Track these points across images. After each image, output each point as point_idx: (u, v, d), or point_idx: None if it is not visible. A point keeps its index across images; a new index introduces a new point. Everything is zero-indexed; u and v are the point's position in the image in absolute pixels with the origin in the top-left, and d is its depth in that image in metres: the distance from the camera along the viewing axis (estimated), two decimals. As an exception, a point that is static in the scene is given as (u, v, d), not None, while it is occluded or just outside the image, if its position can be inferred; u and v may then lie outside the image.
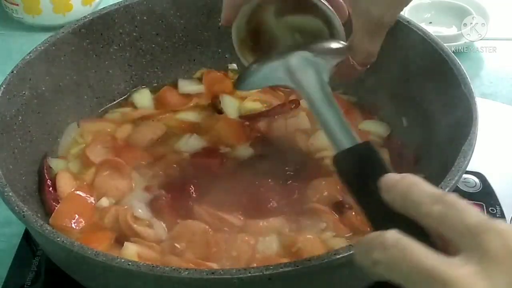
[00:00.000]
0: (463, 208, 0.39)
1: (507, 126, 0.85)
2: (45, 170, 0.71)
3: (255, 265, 0.59)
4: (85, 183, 0.71)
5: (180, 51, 0.84)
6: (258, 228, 0.64)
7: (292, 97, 0.79)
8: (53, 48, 0.74)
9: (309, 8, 0.62)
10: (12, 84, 0.69)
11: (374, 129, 0.76)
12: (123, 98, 0.83)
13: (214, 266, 0.60)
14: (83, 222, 0.66)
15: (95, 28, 0.78)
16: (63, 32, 0.75)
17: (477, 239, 0.37)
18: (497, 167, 0.79)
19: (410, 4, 0.73)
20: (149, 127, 0.78)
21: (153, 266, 0.50)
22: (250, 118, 0.78)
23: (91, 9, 1.07)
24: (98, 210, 0.68)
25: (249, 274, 0.49)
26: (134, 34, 0.81)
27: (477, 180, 0.77)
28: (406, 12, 0.94)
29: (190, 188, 0.68)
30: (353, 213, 0.64)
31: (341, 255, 0.50)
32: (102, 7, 0.81)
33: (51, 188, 0.70)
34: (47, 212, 0.67)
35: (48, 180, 0.70)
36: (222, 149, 0.74)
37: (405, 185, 0.41)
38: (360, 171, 0.46)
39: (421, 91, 0.72)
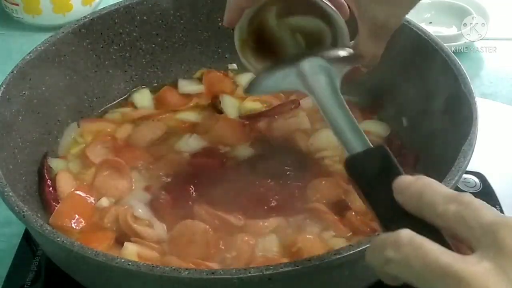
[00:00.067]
0: (478, 207, 0.39)
1: (507, 126, 0.85)
2: (45, 170, 0.71)
3: (255, 265, 0.59)
4: (85, 183, 0.71)
5: (180, 51, 0.84)
6: (258, 228, 0.64)
7: (292, 97, 0.79)
8: (53, 48, 0.74)
9: (311, 9, 0.62)
10: (12, 84, 0.69)
11: (374, 129, 0.76)
12: (123, 98, 0.83)
13: (214, 266, 0.60)
14: (83, 222, 0.66)
15: (95, 28, 0.78)
16: (63, 32, 0.75)
17: (491, 236, 0.37)
18: (497, 167, 0.79)
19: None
20: (149, 127, 0.78)
21: (153, 266, 0.50)
22: (250, 118, 0.78)
23: (91, 9, 1.07)
24: (98, 210, 0.68)
25: (249, 274, 0.49)
26: (134, 34, 0.81)
27: (477, 180, 0.77)
28: (406, 12, 0.94)
29: (190, 188, 0.68)
30: (353, 213, 0.65)
31: (341, 255, 0.50)
32: (102, 7, 0.81)
33: (51, 188, 0.70)
34: (47, 212, 0.67)
35: (48, 180, 0.70)
36: (222, 149, 0.74)
37: (419, 186, 0.41)
38: (372, 173, 0.46)
39: (421, 91, 0.72)
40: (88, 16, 0.78)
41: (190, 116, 0.80)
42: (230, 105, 0.80)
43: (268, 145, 0.75)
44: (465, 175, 0.74)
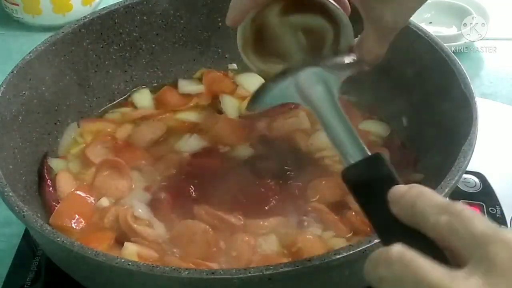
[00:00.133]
0: (470, 217, 0.38)
1: (507, 126, 0.85)
2: (45, 170, 0.71)
3: (255, 265, 0.59)
4: (85, 183, 0.71)
5: (180, 51, 0.84)
6: (258, 228, 0.64)
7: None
8: (53, 48, 0.74)
9: (314, 7, 0.61)
10: (12, 84, 0.69)
11: (374, 129, 0.76)
12: (123, 98, 0.83)
13: (214, 266, 0.60)
14: (83, 222, 0.66)
15: (95, 28, 0.78)
16: (63, 32, 0.75)
17: (483, 250, 0.36)
18: (497, 167, 0.79)
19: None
20: (149, 127, 0.78)
21: (153, 266, 0.50)
22: (250, 118, 0.78)
23: (91, 9, 1.07)
24: (98, 210, 0.68)
25: (249, 274, 0.49)
26: (134, 34, 0.81)
27: (477, 180, 0.77)
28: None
29: (190, 188, 0.68)
30: (353, 213, 0.64)
31: (341, 255, 0.50)
32: (102, 7, 0.81)
33: (51, 188, 0.70)
34: (47, 212, 0.67)
35: (48, 180, 0.70)
36: (222, 149, 0.74)
37: (412, 196, 0.41)
38: (368, 184, 0.45)
39: (421, 91, 0.72)
40: (88, 16, 0.78)
41: (190, 116, 0.80)
42: (230, 105, 0.80)
43: (268, 145, 0.75)
44: (465, 175, 0.74)
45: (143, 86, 0.84)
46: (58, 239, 0.53)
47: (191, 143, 0.75)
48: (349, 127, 0.51)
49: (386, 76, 0.74)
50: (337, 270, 0.52)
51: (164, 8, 0.81)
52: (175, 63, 0.85)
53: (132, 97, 0.83)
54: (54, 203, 0.68)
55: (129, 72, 0.83)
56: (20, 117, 0.69)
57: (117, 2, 0.80)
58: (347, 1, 0.62)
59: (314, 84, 0.55)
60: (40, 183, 0.70)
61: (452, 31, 1.00)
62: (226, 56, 0.85)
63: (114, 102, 0.82)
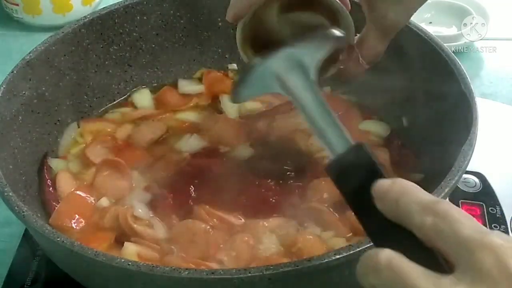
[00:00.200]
0: (456, 219, 0.37)
1: (507, 126, 0.85)
2: (45, 170, 0.71)
3: (255, 265, 0.59)
4: (85, 183, 0.71)
5: (180, 51, 0.84)
6: (258, 228, 0.64)
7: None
8: (53, 48, 0.74)
9: (314, 4, 0.61)
10: (12, 84, 0.69)
11: (374, 129, 0.76)
12: (123, 98, 0.83)
13: (214, 266, 0.60)
14: (83, 222, 0.67)
15: (95, 28, 0.78)
16: (63, 32, 0.75)
17: (469, 256, 0.35)
18: (497, 167, 0.79)
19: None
20: (149, 127, 0.78)
21: (153, 266, 0.50)
22: (250, 118, 0.78)
23: (91, 9, 1.07)
24: (98, 210, 0.68)
25: (249, 274, 0.49)
26: (134, 34, 0.81)
27: (477, 180, 0.77)
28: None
29: (190, 188, 0.68)
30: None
31: (341, 255, 0.50)
32: (102, 7, 0.81)
33: (51, 188, 0.70)
34: (47, 212, 0.67)
35: (48, 180, 0.70)
36: (222, 149, 0.74)
37: (395, 193, 0.39)
38: (354, 179, 0.43)
39: (421, 91, 0.72)
40: (88, 16, 0.78)
41: (190, 116, 0.80)
42: (230, 105, 0.80)
43: (268, 145, 0.75)
44: (465, 175, 0.74)
45: (143, 86, 0.84)
46: (58, 239, 0.53)
47: (191, 143, 0.75)
48: (329, 114, 0.48)
49: (386, 76, 0.74)
50: (337, 270, 0.52)
51: (164, 8, 0.81)
52: (175, 63, 0.85)
53: (132, 97, 0.83)
54: (54, 203, 0.68)
55: (129, 72, 0.83)
56: (20, 117, 0.69)
57: (117, 2, 0.80)
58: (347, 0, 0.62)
59: (289, 70, 0.52)
60: (40, 183, 0.70)
61: (452, 31, 1.00)
62: (226, 56, 0.85)
63: (114, 102, 0.82)
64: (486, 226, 0.71)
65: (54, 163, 0.74)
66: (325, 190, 0.67)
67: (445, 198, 0.56)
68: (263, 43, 0.64)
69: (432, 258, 0.38)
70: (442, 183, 0.56)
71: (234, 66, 0.85)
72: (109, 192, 0.69)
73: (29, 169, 0.69)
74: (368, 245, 0.50)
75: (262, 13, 0.62)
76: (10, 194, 0.58)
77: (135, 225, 0.64)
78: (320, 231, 0.64)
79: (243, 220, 0.65)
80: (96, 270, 0.54)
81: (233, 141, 0.75)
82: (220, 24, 0.82)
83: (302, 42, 0.54)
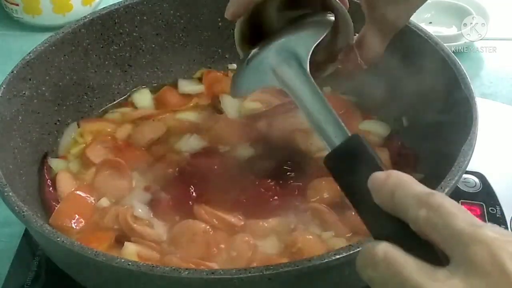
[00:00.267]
0: (449, 212, 0.37)
1: (507, 126, 0.85)
2: (45, 170, 0.71)
3: (255, 265, 0.59)
4: (85, 183, 0.71)
5: (180, 51, 0.84)
6: (258, 228, 0.64)
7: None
8: (53, 48, 0.74)
9: (313, 2, 0.61)
10: (12, 84, 0.69)
11: (374, 129, 0.76)
12: (123, 98, 0.83)
13: (214, 266, 0.60)
14: (83, 222, 0.67)
15: (95, 28, 0.78)
16: (63, 32, 0.75)
17: (462, 249, 0.36)
18: (497, 167, 0.79)
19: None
20: (149, 127, 0.78)
21: (153, 266, 0.50)
22: (250, 118, 0.78)
23: (91, 9, 1.07)
24: (98, 210, 0.68)
25: (249, 274, 0.49)
26: (134, 34, 0.81)
27: (477, 180, 0.77)
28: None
29: (190, 188, 0.68)
30: (353, 213, 0.64)
31: (341, 255, 0.50)
32: (102, 7, 0.81)
33: (51, 188, 0.70)
34: (47, 212, 0.67)
35: (48, 180, 0.70)
36: (222, 149, 0.74)
37: (391, 185, 0.40)
38: (350, 171, 0.43)
39: (421, 91, 0.72)
40: (88, 16, 0.78)
41: (190, 116, 0.80)
42: (230, 105, 0.80)
43: (268, 145, 0.75)
44: (465, 175, 0.74)
45: (143, 86, 0.84)
46: (58, 239, 0.53)
47: (191, 143, 0.75)
48: (325, 105, 0.48)
49: (386, 76, 0.74)
50: (337, 270, 0.52)
51: (164, 8, 0.81)
52: (175, 63, 0.85)
53: (132, 97, 0.83)
54: (54, 203, 0.68)
55: (129, 72, 0.83)
56: (20, 117, 0.69)
57: (117, 2, 0.80)
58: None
59: (282, 61, 0.53)
60: (40, 183, 0.70)
61: (452, 31, 1.00)
62: (226, 56, 0.85)
63: (114, 102, 0.82)
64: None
65: (54, 163, 0.74)
66: (325, 190, 0.67)
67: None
68: (261, 40, 0.64)
69: (429, 250, 0.38)
70: (442, 183, 0.56)
71: (234, 66, 0.85)
72: (109, 192, 0.69)
73: (29, 169, 0.69)
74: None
75: (261, 11, 0.62)
76: (10, 194, 0.58)
77: (135, 225, 0.64)
78: (320, 231, 0.64)
79: (243, 220, 0.65)
80: (96, 270, 0.54)
81: (233, 141, 0.75)
82: (220, 24, 0.83)
83: (293, 31, 0.54)
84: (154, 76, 0.84)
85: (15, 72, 0.70)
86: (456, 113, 0.65)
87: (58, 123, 0.76)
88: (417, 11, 0.61)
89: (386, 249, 0.38)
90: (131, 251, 0.62)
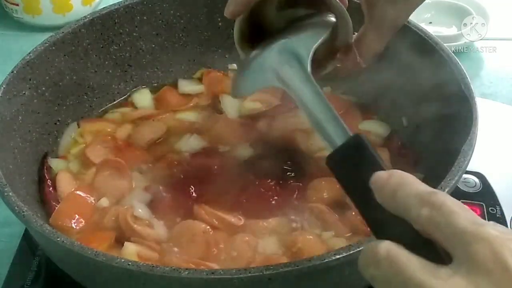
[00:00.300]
0: (452, 211, 0.37)
1: (507, 126, 0.85)
2: (45, 170, 0.71)
3: (255, 265, 0.59)
4: (85, 183, 0.71)
5: (180, 51, 0.84)
6: (258, 228, 0.64)
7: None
8: (53, 48, 0.74)
9: (313, 1, 0.61)
10: (12, 84, 0.69)
11: (374, 129, 0.76)
12: (123, 98, 0.83)
13: (214, 266, 0.60)
14: (83, 222, 0.67)
15: (95, 28, 0.78)
16: (63, 32, 0.75)
17: (464, 247, 0.36)
18: (497, 167, 0.79)
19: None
20: (149, 127, 0.78)
21: (153, 266, 0.50)
22: (250, 118, 0.78)
23: (91, 9, 1.07)
24: (98, 210, 0.68)
25: (249, 274, 0.49)
26: (134, 34, 0.81)
27: (477, 180, 0.77)
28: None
29: (190, 188, 0.68)
30: (353, 213, 0.64)
31: (341, 255, 0.50)
32: (102, 7, 0.81)
33: (51, 188, 0.70)
34: (47, 212, 0.67)
35: (48, 180, 0.70)
36: (222, 149, 0.74)
37: (393, 185, 0.40)
38: (352, 171, 0.44)
39: (421, 91, 0.72)
40: (88, 16, 0.78)
41: (190, 116, 0.80)
42: (230, 105, 0.80)
43: (268, 145, 0.75)
44: (465, 175, 0.74)
45: (143, 86, 0.84)
46: (58, 239, 0.53)
47: (191, 143, 0.75)
48: (327, 105, 0.48)
49: (386, 76, 0.74)
50: (337, 270, 0.52)
51: (164, 8, 0.81)
52: (175, 63, 0.85)
53: (132, 97, 0.83)
54: (54, 203, 0.68)
55: (129, 72, 0.83)
56: (20, 117, 0.69)
57: (117, 2, 0.80)
58: None
59: (284, 62, 0.53)
60: (40, 183, 0.70)
61: (452, 31, 1.00)
62: (226, 56, 0.85)
63: (114, 102, 0.82)
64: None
65: (54, 163, 0.74)
66: (325, 190, 0.67)
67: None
68: (261, 39, 0.64)
69: (432, 249, 0.38)
70: (442, 183, 0.56)
71: (234, 66, 0.85)
72: (109, 192, 0.69)
73: (29, 169, 0.69)
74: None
75: (260, 9, 0.62)
76: (10, 194, 0.58)
77: (135, 225, 0.64)
78: (320, 231, 0.64)
79: (243, 220, 0.65)
80: (96, 270, 0.54)
81: (233, 141, 0.75)
82: (220, 24, 0.83)
83: (294, 32, 0.54)
84: (154, 76, 0.84)
85: (15, 72, 0.70)
86: (456, 113, 0.65)
87: (58, 123, 0.76)
88: (417, 11, 0.61)
89: (388, 248, 0.38)
90: (131, 251, 0.62)
